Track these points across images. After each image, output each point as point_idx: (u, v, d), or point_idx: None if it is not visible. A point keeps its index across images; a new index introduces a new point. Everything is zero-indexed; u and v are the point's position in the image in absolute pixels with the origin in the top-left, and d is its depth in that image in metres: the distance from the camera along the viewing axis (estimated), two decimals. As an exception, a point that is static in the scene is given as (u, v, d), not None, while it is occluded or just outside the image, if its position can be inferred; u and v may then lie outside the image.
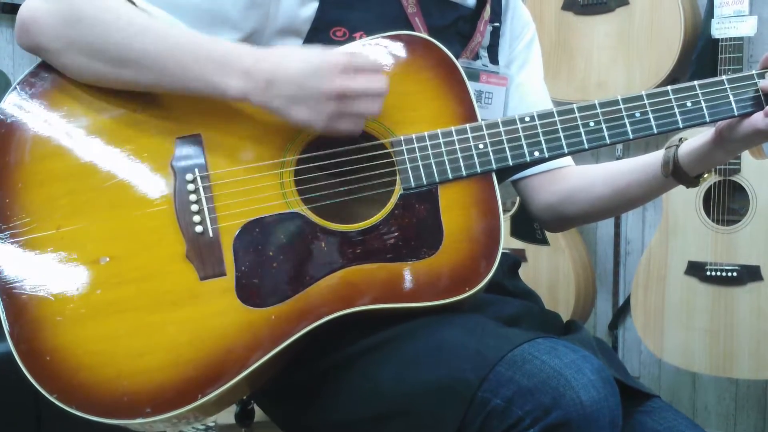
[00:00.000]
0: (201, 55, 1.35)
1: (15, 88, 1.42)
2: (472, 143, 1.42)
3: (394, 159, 1.41)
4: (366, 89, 1.35)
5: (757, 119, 1.43)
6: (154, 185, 1.39)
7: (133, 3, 1.41)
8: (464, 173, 1.41)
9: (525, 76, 1.77)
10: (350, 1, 1.52)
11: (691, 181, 1.54)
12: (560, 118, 1.44)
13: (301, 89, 1.33)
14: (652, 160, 1.58)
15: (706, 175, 1.55)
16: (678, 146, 1.54)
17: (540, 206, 1.76)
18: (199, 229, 1.37)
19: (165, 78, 1.37)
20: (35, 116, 1.41)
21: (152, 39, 1.37)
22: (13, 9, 3.75)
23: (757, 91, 1.44)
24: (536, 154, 1.44)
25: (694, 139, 1.53)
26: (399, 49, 1.45)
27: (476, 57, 1.65)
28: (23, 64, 3.80)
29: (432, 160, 1.41)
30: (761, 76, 1.45)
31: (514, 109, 1.69)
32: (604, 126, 1.44)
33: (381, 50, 1.45)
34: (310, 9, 1.50)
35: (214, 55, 1.35)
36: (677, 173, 1.53)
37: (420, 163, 1.41)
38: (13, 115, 1.40)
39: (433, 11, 1.58)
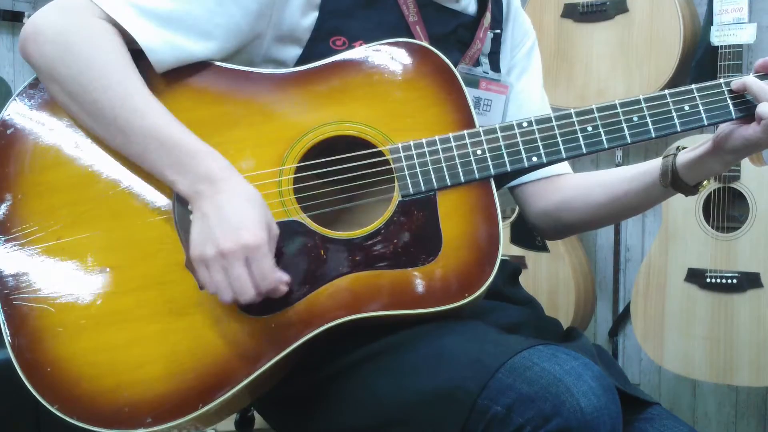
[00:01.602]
0: (167, 145, 1.35)
1: (14, 99, 1.43)
2: (470, 149, 1.42)
3: (392, 166, 1.41)
4: (235, 279, 1.30)
5: (745, 129, 1.43)
6: (153, 195, 1.39)
7: (133, 36, 1.41)
8: (462, 180, 1.41)
9: (524, 84, 1.77)
10: (350, 11, 1.52)
11: (690, 190, 1.54)
12: (558, 123, 1.44)
13: (213, 221, 1.31)
14: (650, 168, 1.58)
15: (705, 183, 1.55)
16: (675, 155, 1.54)
17: (537, 214, 1.76)
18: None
19: (127, 148, 1.38)
20: (35, 127, 1.41)
21: (126, 111, 1.36)
22: (14, 17, 3.76)
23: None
24: (534, 159, 1.44)
25: (692, 149, 1.52)
26: (397, 57, 1.45)
27: (477, 64, 1.65)
28: (24, 71, 3.80)
29: (430, 167, 1.41)
30: (759, 78, 1.44)
31: (513, 116, 1.68)
32: (602, 131, 1.44)
33: (379, 57, 1.45)
34: (311, 18, 1.50)
35: (176, 151, 1.35)
36: (676, 183, 1.53)
37: (418, 170, 1.41)
38: (13, 126, 1.41)
39: (435, 19, 1.59)
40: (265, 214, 1.33)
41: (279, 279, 1.33)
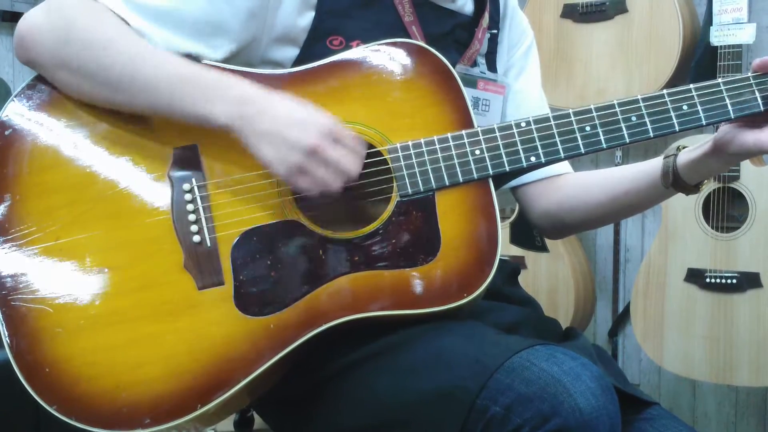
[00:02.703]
0: (192, 82, 1.37)
1: (13, 99, 1.43)
2: (468, 149, 1.42)
3: (390, 166, 1.41)
4: (337, 162, 1.35)
5: (749, 134, 1.43)
6: (151, 196, 1.39)
7: (128, 23, 1.41)
8: (461, 180, 1.41)
9: (523, 84, 1.77)
10: (347, 10, 1.52)
11: (692, 189, 1.54)
12: (556, 122, 1.44)
13: (279, 131, 1.34)
14: (650, 168, 1.58)
15: (706, 181, 1.55)
16: (676, 155, 1.54)
17: (538, 213, 1.76)
18: (196, 238, 1.37)
19: (155, 103, 1.38)
20: (33, 128, 1.41)
21: (143, 65, 1.38)
22: (14, 17, 3.76)
23: (753, 93, 1.43)
24: (533, 159, 1.43)
25: (693, 149, 1.52)
26: (395, 57, 1.45)
27: (474, 64, 1.65)
28: (23, 72, 3.81)
29: (428, 167, 1.41)
30: (757, 78, 1.44)
31: (512, 116, 1.68)
32: (600, 130, 1.44)
33: (377, 57, 1.45)
34: (307, 18, 1.50)
35: (203, 82, 1.37)
36: (677, 183, 1.53)
37: (416, 169, 1.41)
38: (12, 127, 1.41)
39: (431, 19, 1.58)
40: (313, 105, 1.38)
41: (359, 138, 1.39)
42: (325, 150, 1.34)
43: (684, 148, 1.55)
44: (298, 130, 1.33)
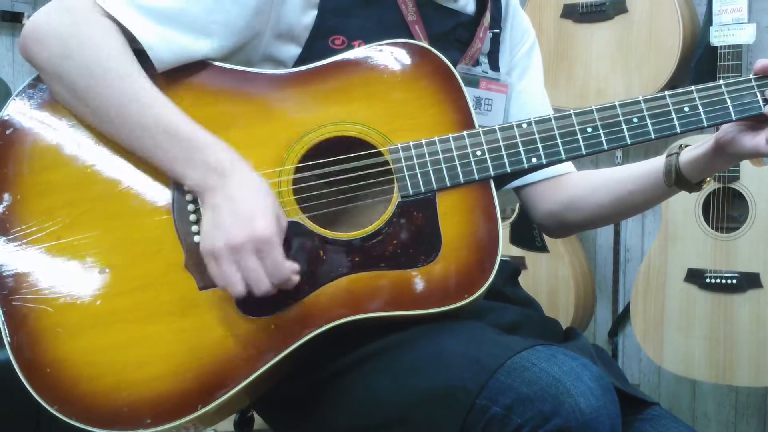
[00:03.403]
0: (175, 138, 1.35)
1: (14, 99, 1.42)
2: (469, 150, 1.42)
3: (391, 167, 1.41)
4: (247, 269, 1.30)
5: (750, 137, 1.43)
6: (152, 195, 1.39)
7: (133, 31, 1.41)
8: (462, 180, 1.41)
9: (526, 84, 1.78)
10: (349, 9, 1.52)
11: (694, 187, 1.55)
12: (557, 123, 1.44)
13: (224, 212, 1.31)
14: (653, 167, 1.58)
15: (708, 179, 1.56)
16: (678, 154, 1.54)
17: (543, 214, 1.76)
18: (197, 239, 1.37)
19: (134, 143, 1.38)
20: (34, 127, 1.41)
21: (133, 105, 1.37)
22: (13, 17, 3.76)
23: (754, 95, 1.44)
24: (534, 160, 1.44)
25: (695, 148, 1.53)
26: (396, 57, 1.45)
27: (476, 63, 1.65)
28: (23, 72, 3.81)
29: (429, 168, 1.41)
30: (759, 80, 1.44)
31: (515, 116, 1.68)
32: (601, 132, 1.44)
33: (379, 58, 1.45)
34: (310, 16, 1.50)
35: (185, 142, 1.35)
36: (680, 181, 1.54)
37: (418, 170, 1.41)
38: (13, 126, 1.41)
39: (434, 18, 1.59)
40: (274, 205, 1.33)
41: (291, 269, 1.32)
42: (243, 256, 1.30)
43: (686, 146, 1.55)
44: (236, 221, 1.30)
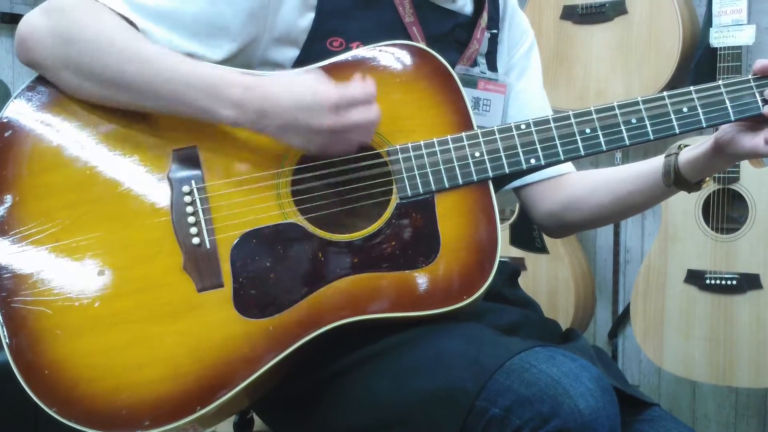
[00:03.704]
0: (193, 83, 1.36)
1: (13, 100, 1.42)
2: (468, 151, 1.42)
3: (390, 168, 1.41)
4: (357, 122, 1.36)
5: (758, 144, 1.43)
6: (151, 197, 1.39)
7: (129, 20, 1.41)
8: (460, 182, 1.41)
9: (524, 84, 1.78)
10: (347, 11, 1.52)
11: (693, 187, 1.55)
12: (556, 125, 1.44)
13: (293, 121, 1.35)
14: (652, 167, 1.58)
15: (707, 179, 1.56)
16: (677, 154, 1.54)
17: (542, 214, 1.76)
18: (196, 240, 1.37)
19: (159, 103, 1.38)
20: (33, 129, 1.41)
21: (146, 65, 1.37)
22: (13, 19, 3.77)
23: (753, 96, 1.44)
24: (532, 161, 1.44)
25: (694, 147, 1.53)
26: (395, 58, 1.46)
27: (474, 64, 1.65)
28: (23, 74, 3.81)
29: (428, 169, 1.41)
30: (757, 80, 1.44)
31: (514, 117, 1.68)
32: (600, 133, 1.44)
33: (377, 59, 1.45)
34: (307, 19, 1.50)
35: (205, 84, 1.36)
36: (679, 181, 1.54)
37: (416, 172, 1.41)
38: (12, 128, 1.40)
39: (431, 19, 1.59)
40: (307, 73, 1.40)
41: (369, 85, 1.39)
42: (342, 123, 1.35)
43: (685, 146, 1.55)
44: (310, 116, 1.34)
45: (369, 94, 1.38)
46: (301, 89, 1.36)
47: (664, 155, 1.57)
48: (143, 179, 1.40)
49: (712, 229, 3.05)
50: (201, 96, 1.36)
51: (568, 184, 1.73)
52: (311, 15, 1.50)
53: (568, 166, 1.75)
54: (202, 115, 1.38)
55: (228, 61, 1.46)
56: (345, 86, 1.36)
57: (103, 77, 1.38)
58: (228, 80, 1.37)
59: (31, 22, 1.41)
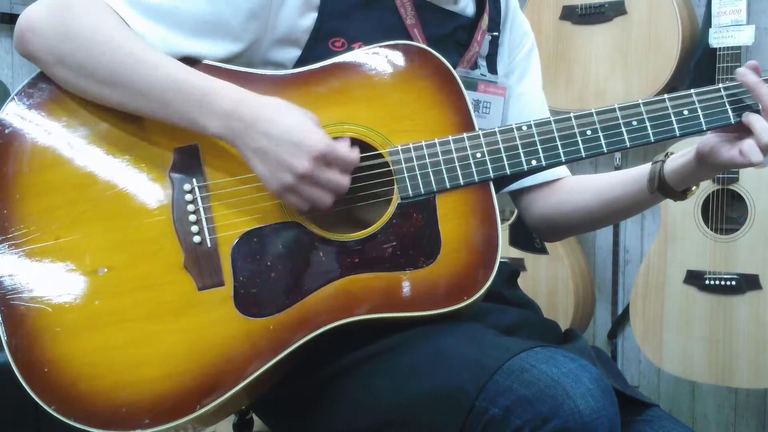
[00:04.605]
0: (185, 90, 1.36)
1: (13, 98, 1.42)
2: (469, 152, 1.42)
3: (391, 168, 1.41)
4: (328, 182, 1.35)
5: (734, 155, 1.43)
6: (152, 195, 1.39)
7: (127, 22, 1.41)
8: (461, 182, 1.41)
9: (525, 87, 1.78)
10: (349, 12, 1.52)
11: (678, 196, 1.55)
12: (557, 126, 1.44)
13: (272, 150, 1.34)
14: (639, 174, 1.58)
15: (693, 188, 1.56)
16: (664, 162, 1.54)
17: (535, 217, 1.77)
18: (197, 239, 1.37)
19: (149, 106, 1.38)
20: (33, 127, 1.41)
21: (139, 66, 1.37)
22: (12, 19, 3.75)
23: (753, 99, 1.44)
24: (534, 162, 1.44)
25: (679, 156, 1.53)
26: (396, 58, 1.46)
27: (475, 66, 1.65)
28: (22, 74, 3.80)
29: (429, 170, 1.41)
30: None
31: (515, 119, 1.68)
32: (601, 134, 1.44)
33: (378, 59, 1.45)
34: (309, 19, 1.50)
35: (197, 93, 1.35)
36: (663, 188, 1.54)
37: (417, 172, 1.41)
38: (11, 126, 1.40)
39: (432, 21, 1.59)
40: (304, 113, 1.36)
41: (355, 155, 1.37)
42: (316, 175, 1.34)
43: (672, 154, 1.55)
44: (291, 153, 1.32)
45: (351, 162, 1.37)
46: (294, 122, 1.35)
47: (651, 162, 1.57)
48: (144, 177, 1.40)
49: (712, 229, 3.05)
50: (191, 104, 1.36)
51: (561, 189, 1.73)
52: (313, 15, 1.50)
53: (564, 171, 1.76)
54: (187, 124, 1.37)
55: (231, 61, 1.46)
56: (334, 143, 1.35)
57: (94, 75, 1.38)
58: (221, 92, 1.36)
59: (32, 15, 1.41)
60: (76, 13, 1.39)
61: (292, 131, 1.33)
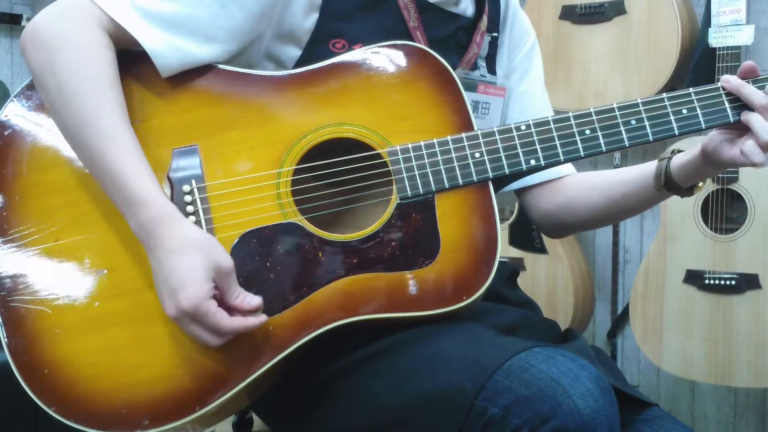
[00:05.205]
0: (118, 184, 1.33)
1: (12, 100, 1.42)
2: (468, 152, 1.42)
3: (390, 168, 1.41)
4: (192, 333, 1.30)
5: (736, 154, 1.43)
6: (151, 197, 1.39)
7: (139, 39, 1.41)
8: (460, 182, 1.41)
9: (528, 86, 1.78)
10: (350, 13, 1.52)
11: (685, 192, 1.55)
12: (556, 125, 1.44)
13: (159, 278, 1.30)
14: (645, 171, 1.58)
15: (700, 184, 1.56)
16: (670, 159, 1.54)
17: (540, 214, 1.77)
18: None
19: (91, 170, 1.37)
20: (33, 128, 1.41)
21: (89, 137, 1.34)
22: (13, 19, 3.75)
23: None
24: (532, 162, 1.44)
25: (686, 153, 1.53)
26: (395, 59, 1.46)
27: (474, 67, 1.65)
28: (22, 74, 3.80)
29: (428, 169, 1.41)
30: (756, 82, 1.44)
31: (517, 119, 1.67)
32: (599, 134, 1.44)
33: (378, 59, 1.45)
34: (312, 19, 1.50)
35: (127, 195, 1.32)
36: (669, 185, 1.54)
37: (416, 172, 1.41)
38: (11, 127, 1.41)
39: (435, 23, 1.59)
40: (204, 261, 1.29)
41: (235, 325, 1.30)
42: (185, 325, 1.30)
43: (679, 151, 1.55)
44: (167, 293, 1.29)
45: (221, 328, 1.29)
46: (181, 267, 1.29)
47: (658, 159, 1.57)
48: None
49: (711, 229, 3.05)
50: (119, 198, 1.33)
51: (567, 186, 1.73)
52: (315, 15, 1.50)
53: (569, 168, 1.76)
54: (118, 206, 1.34)
55: (233, 58, 1.46)
56: (209, 306, 1.28)
57: (60, 120, 1.38)
58: (145, 205, 1.32)
59: (36, 26, 1.39)
60: (67, 48, 1.37)
61: (174, 275, 1.28)
